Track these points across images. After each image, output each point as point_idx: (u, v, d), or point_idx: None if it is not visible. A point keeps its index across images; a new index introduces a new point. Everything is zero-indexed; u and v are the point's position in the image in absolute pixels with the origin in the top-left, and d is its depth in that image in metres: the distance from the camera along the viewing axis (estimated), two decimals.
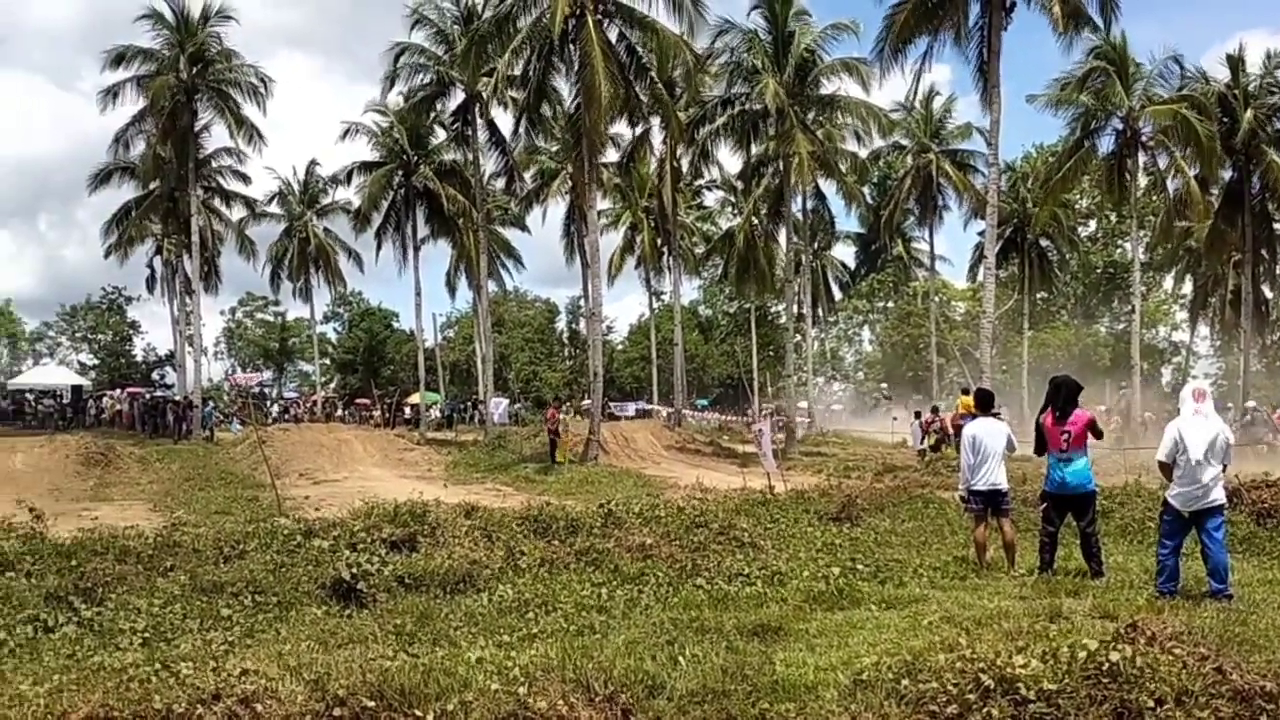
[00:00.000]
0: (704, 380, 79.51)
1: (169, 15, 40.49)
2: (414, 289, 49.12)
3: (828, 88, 39.98)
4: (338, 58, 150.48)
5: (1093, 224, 68.75)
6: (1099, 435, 10.17)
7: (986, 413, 11.26)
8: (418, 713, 5.46)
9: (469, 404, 61.04)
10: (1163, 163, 42.19)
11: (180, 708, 5.45)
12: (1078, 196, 61.11)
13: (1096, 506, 10.27)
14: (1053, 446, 9.84)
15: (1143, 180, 43.31)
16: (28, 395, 51.40)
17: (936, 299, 59.23)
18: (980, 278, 43.75)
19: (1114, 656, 5.52)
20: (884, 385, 61.90)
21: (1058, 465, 9.84)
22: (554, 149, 46.78)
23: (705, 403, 69.72)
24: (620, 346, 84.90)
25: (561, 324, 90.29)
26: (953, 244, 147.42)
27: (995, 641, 6.12)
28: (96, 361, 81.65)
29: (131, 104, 40.97)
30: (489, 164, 43.73)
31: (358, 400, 61.96)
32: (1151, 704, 5.30)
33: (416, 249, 48.73)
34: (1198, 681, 5.39)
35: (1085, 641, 5.79)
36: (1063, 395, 9.86)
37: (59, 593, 9.35)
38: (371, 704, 5.49)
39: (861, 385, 78.94)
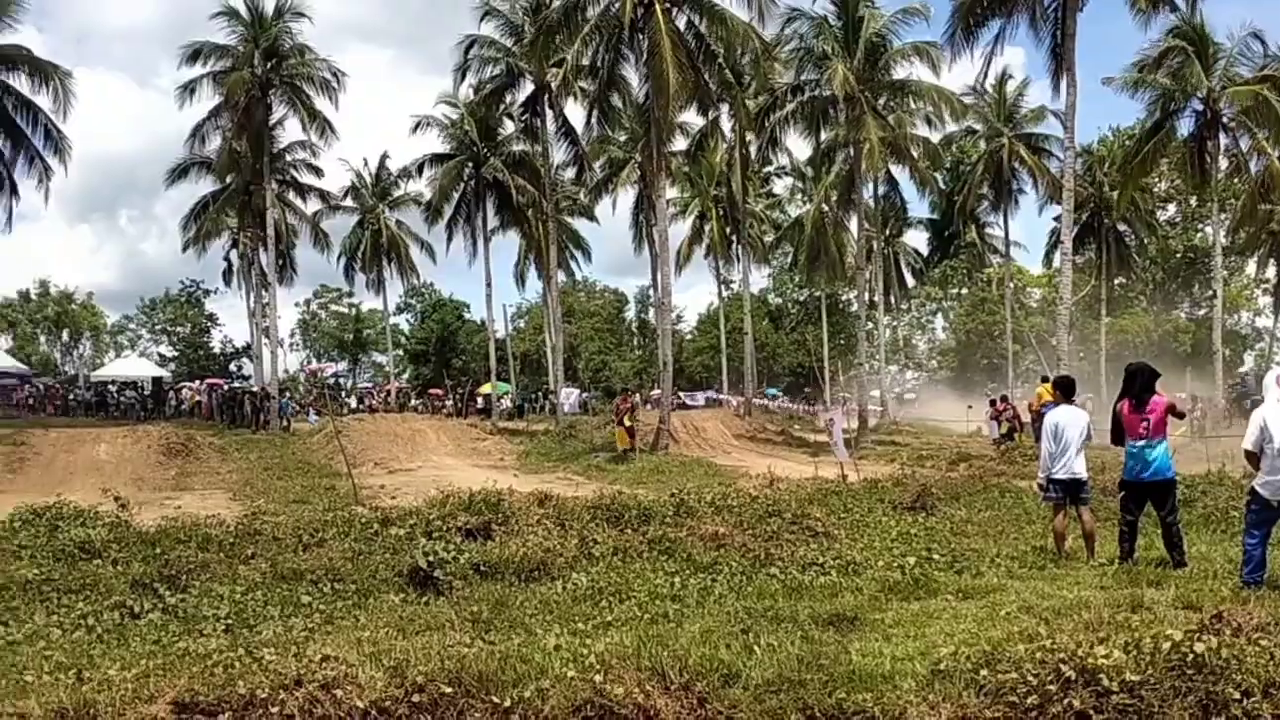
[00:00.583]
0: (774, 369, 79.14)
1: (244, 11, 41.08)
2: (484, 280, 49.42)
3: (899, 73, 39.53)
4: (408, 51, 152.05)
5: (1172, 208, 67.28)
6: (1180, 416, 9.98)
7: (1068, 400, 11.03)
8: (495, 699, 5.51)
9: (539, 394, 61.35)
10: (1244, 144, 41.17)
11: (263, 693, 5.54)
12: (1156, 180, 59.84)
13: (1177, 495, 10.07)
14: (1131, 435, 9.66)
15: (1224, 163, 42.26)
16: (110, 387, 52.56)
17: (1011, 285, 58.32)
18: (1056, 263, 42.99)
19: (1199, 648, 5.40)
20: (993, 384, 60.33)
21: (1136, 453, 9.66)
22: (623, 138, 46.81)
23: (775, 392, 69.41)
24: (689, 336, 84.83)
25: (630, 314, 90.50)
26: (1028, 229, 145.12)
27: (1076, 632, 6.03)
28: (176, 353, 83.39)
29: (208, 100, 41.71)
30: (558, 154, 43.90)
31: (430, 390, 62.56)
32: (1238, 696, 5.19)
33: (487, 240, 49.13)
34: None
35: (1169, 632, 5.68)
36: (1139, 383, 9.68)
37: (145, 580, 9.56)
38: (449, 690, 5.55)
39: (937, 373, 78.17)
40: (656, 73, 30.78)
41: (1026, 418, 27.75)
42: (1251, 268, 65.80)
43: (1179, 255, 67.42)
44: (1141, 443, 9.60)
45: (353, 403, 57.39)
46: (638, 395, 46.07)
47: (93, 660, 6.65)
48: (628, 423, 29.50)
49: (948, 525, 12.97)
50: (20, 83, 35.73)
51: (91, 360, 79.91)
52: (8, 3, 34.79)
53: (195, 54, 40.72)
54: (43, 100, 35.97)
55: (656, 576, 9.49)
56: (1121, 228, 55.36)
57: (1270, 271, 59.94)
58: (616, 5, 31.18)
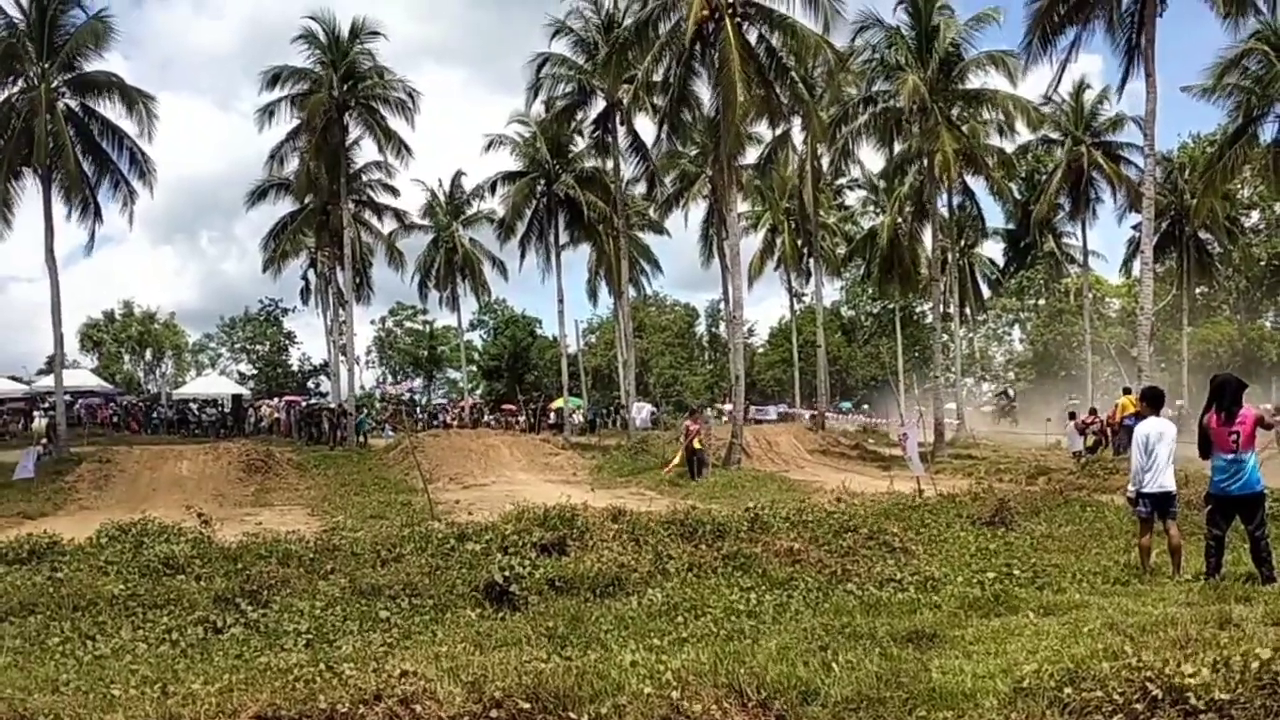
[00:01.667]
0: (847, 382, 78.60)
1: (321, 36, 41.83)
2: (556, 295, 49.74)
3: (973, 82, 39.07)
4: (481, 70, 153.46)
5: (1255, 215, 65.70)
6: (1269, 427, 9.75)
7: (1157, 411, 10.80)
8: (572, 715, 5.52)
9: (611, 409, 61.51)
10: None
11: (344, 707, 5.61)
12: (1239, 186, 58.53)
13: (1266, 509, 9.81)
14: (1220, 448, 9.45)
15: None
16: (191, 405, 53.68)
17: (1090, 295, 57.34)
18: (1136, 272, 42.15)
19: None
20: (1007, 389, 59.76)
21: (1225, 466, 9.45)
22: (693, 153, 46.85)
23: (849, 405, 68.91)
24: (761, 350, 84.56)
25: (701, 328, 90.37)
26: (1106, 239, 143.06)
27: (1162, 649, 5.90)
28: (255, 371, 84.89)
29: (286, 122, 42.58)
30: (628, 170, 44.07)
31: (503, 406, 63.04)
32: None
33: (559, 256, 49.46)
34: None
35: (1259, 650, 5.53)
36: (1228, 394, 9.47)
37: (226, 595, 9.72)
38: (527, 706, 5.57)
39: (1015, 385, 77.08)
40: (725, 87, 30.77)
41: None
42: None
43: (1263, 263, 65.76)
44: (1230, 455, 9.39)
45: (425, 418, 57.95)
46: (709, 411, 45.84)
47: (177, 675, 6.77)
48: (696, 445, 28.17)
49: (1028, 540, 12.78)
50: (107, 109, 36.68)
51: (173, 379, 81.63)
52: (101, 34, 35.76)
53: (275, 78, 41.58)
54: (128, 125, 36.91)
55: (732, 592, 9.46)
56: (1203, 235, 54.16)
57: None
58: (687, 21, 31.21)
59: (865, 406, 67.71)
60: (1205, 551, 9.82)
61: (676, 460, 27.29)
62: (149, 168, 37.66)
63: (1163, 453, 10.15)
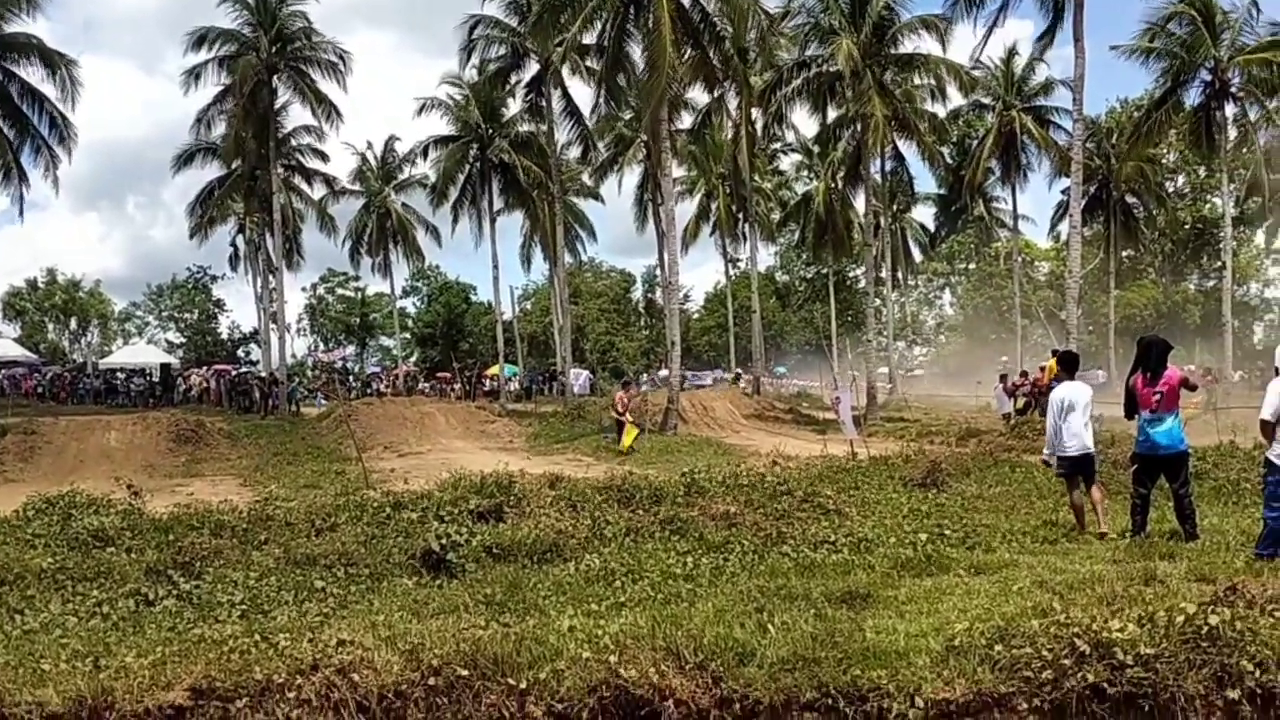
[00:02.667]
0: (782, 347, 79.14)
1: None
2: (491, 262, 49.42)
3: (906, 46, 39.20)
4: (414, 33, 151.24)
5: (1180, 179, 66.96)
6: (1193, 389, 10.00)
7: (1072, 375, 11.11)
8: (511, 681, 5.54)
9: (547, 375, 61.42)
10: (1253, 114, 40.98)
11: (280, 678, 5.58)
12: (1165, 151, 59.59)
13: (1189, 468, 10.06)
14: (1144, 407, 9.66)
15: (1232, 133, 42.07)
16: (118, 374, 52.70)
17: (1019, 259, 58.11)
18: (1064, 236, 42.85)
19: (1213, 620, 5.42)
20: (1005, 358, 59.82)
21: (1149, 426, 9.67)
22: (629, 117, 46.66)
23: (784, 370, 69.41)
24: (696, 315, 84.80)
25: (637, 294, 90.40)
26: (1036, 203, 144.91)
27: (1089, 606, 6.05)
28: (183, 340, 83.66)
29: (213, 85, 41.71)
30: (563, 134, 43.77)
31: (438, 374, 62.71)
32: (1252, 668, 5.21)
33: (493, 222, 49.07)
34: None
35: (1183, 605, 5.69)
36: (1154, 355, 9.68)
37: (158, 567, 9.57)
38: (465, 673, 5.58)
39: (945, 348, 78.09)
40: (656, 49, 30.65)
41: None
42: (1260, 238, 65.60)
43: (1188, 226, 67.11)
44: (1154, 415, 9.60)
45: (358, 386, 57.49)
46: (644, 382, 45.74)
47: (109, 648, 6.66)
48: (629, 418, 27.18)
49: (958, 501, 12.97)
50: (28, 72, 35.71)
51: (100, 348, 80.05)
52: None
53: (201, 39, 40.62)
54: (49, 89, 35.98)
55: (669, 556, 9.49)
56: (1130, 200, 55.09)
57: (1279, 242, 59.75)
58: None
59: (783, 371, 68.23)
60: (1130, 510, 10.04)
61: (627, 440, 26.77)
62: (69, 132, 36.80)
63: (1077, 416, 10.37)
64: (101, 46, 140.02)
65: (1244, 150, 46.44)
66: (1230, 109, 40.70)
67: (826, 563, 8.94)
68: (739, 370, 56.80)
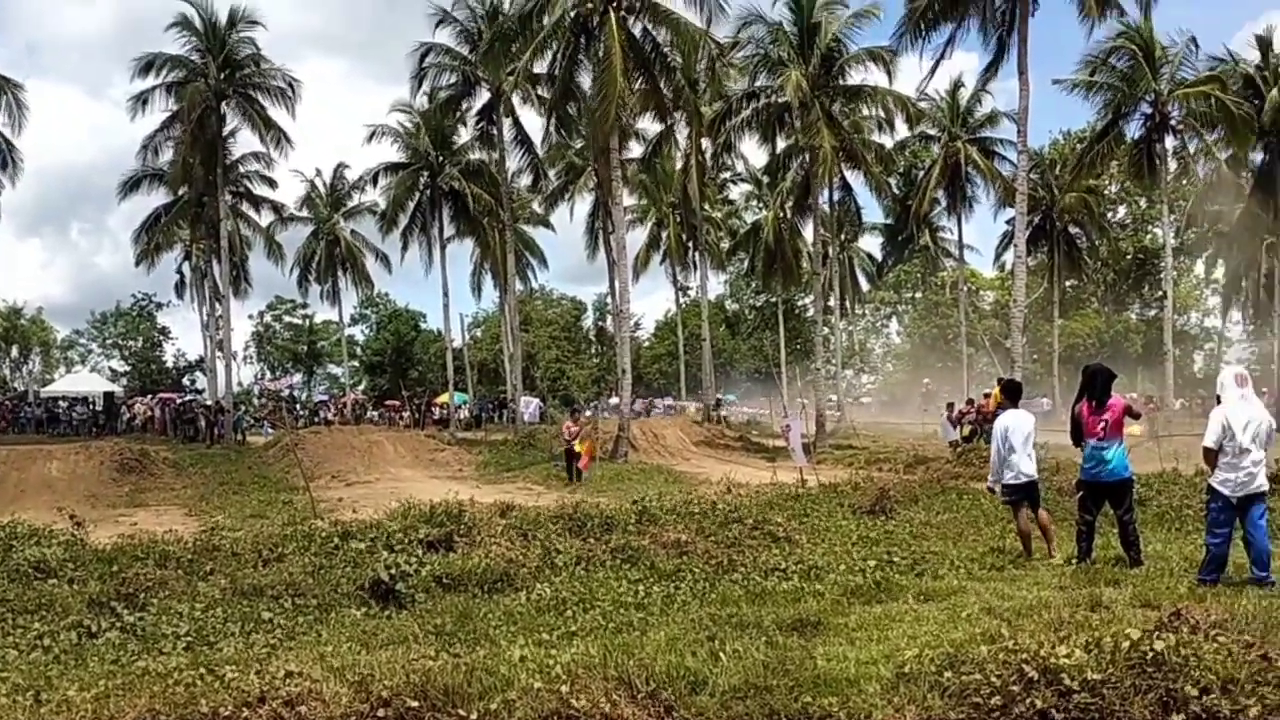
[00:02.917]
0: (731, 375, 79.40)
1: (198, 22, 40.78)
2: (441, 289, 49.27)
3: (854, 78, 39.70)
4: (364, 60, 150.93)
5: (1122, 210, 68.21)
6: (1136, 416, 10.16)
7: (1015, 404, 11.23)
8: (461, 712, 5.48)
9: (496, 403, 61.17)
10: (1192, 147, 41.91)
11: (226, 710, 5.49)
12: (1107, 182, 60.69)
13: (1134, 494, 10.20)
14: (1089, 435, 9.79)
15: (1172, 164, 42.99)
16: (60, 403, 51.81)
17: (965, 288, 58.84)
18: (1009, 266, 43.45)
19: (1158, 645, 5.47)
20: (926, 381, 60.88)
21: (1094, 454, 9.80)
22: (579, 145, 46.82)
23: (732, 397, 69.63)
24: (647, 343, 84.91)
25: (588, 321, 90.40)
26: (980, 233, 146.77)
27: (1037, 632, 6.09)
28: (128, 368, 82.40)
29: (161, 111, 41.40)
30: (514, 162, 43.85)
31: (387, 402, 62.22)
32: (1196, 693, 5.26)
33: (443, 249, 49.06)
34: (1243, 669, 5.33)
35: (1128, 631, 5.75)
36: (1099, 384, 9.82)
37: (101, 599, 9.42)
38: (415, 704, 5.52)
39: (891, 376, 78.68)
40: (606, 79, 30.84)
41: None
42: (1200, 268, 66.88)
43: (1129, 256, 68.36)
44: (1099, 443, 9.73)
45: (305, 414, 56.91)
46: (590, 411, 45.55)
47: (50, 681, 6.55)
48: (578, 448, 25.60)
49: (907, 528, 13.07)
50: None
51: (41, 376, 78.73)
52: None
53: (149, 65, 40.39)
54: None
55: (620, 585, 9.48)
56: (1073, 230, 56.03)
57: (1218, 271, 60.94)
58: (572, 12, 31.19)
59: (732, 398, 68.45)
60: (1076, 536, 10.17)
61: (583, 465, 25.82)
62: (14, 157, 36.34)
63: (1019, 443, 10.50)
64: (46, 71, 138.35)
65: (1184, 182, 47.44)
66: (1170, 141, 41.64)
67: (777, 590, 8.96)
68: (719, 397, 56.57)
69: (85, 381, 62.16)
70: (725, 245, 62.83)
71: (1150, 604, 7.40)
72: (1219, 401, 8.78)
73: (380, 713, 5.51)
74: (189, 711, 5.53)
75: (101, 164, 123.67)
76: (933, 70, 35.07)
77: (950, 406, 31.29)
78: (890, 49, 36.71)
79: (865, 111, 41.97)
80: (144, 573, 10.18)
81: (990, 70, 33.95)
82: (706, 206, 52.20)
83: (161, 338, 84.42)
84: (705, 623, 7.36)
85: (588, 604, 8.74)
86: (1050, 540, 10.47)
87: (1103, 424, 9.68)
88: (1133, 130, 41.68)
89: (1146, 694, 5.27)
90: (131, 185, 46.77)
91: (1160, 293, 55.72)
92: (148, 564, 10.73)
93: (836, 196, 48.98)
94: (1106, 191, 63.20)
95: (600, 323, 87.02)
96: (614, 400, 48.23)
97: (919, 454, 27.78)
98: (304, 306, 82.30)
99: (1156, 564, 9.63)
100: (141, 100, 40.73)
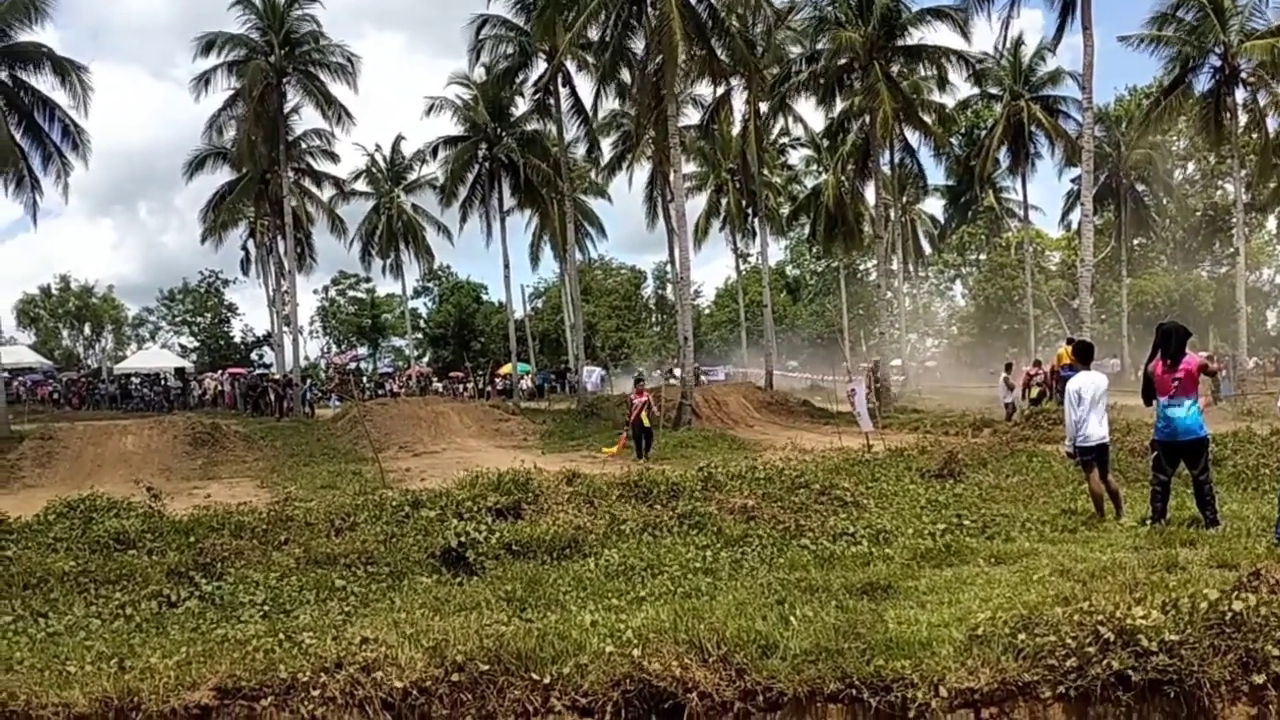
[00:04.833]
0: (793, 341, 79.02)
1: (257, 1, 41.07)
2: (501, 261, 49.39)
3: (913, 37, 39.03)
4: (423, 34, 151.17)
5: (1190, 166, 66.65)
6: (1211, 374, 9.95)
7: (1087, 365, 11.03)
8: (534, 676, 5.55)
9: (559, 373, 61.42)
10: (1262, 100, 40.80)
11: (305, 676, 5.60)
12: (1175, 139, 59.35)
13: (1209, 454, 10.00)
14: (1162, 393, 9.62)
15: (1242, 118, 41.87)
16: (133, 379, 52.88)
17: (1030, 249, 57.90)
18: (1075, 225, 42.72)
19: (1237, 606, 5.40)
20: (1013, 350, 59.58)
21: (1168, 412, 9.62)
22: (635, 113, 46.58)
23: (795, 364, 69.31)
24: (707, 310, 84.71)
25: (648, 290, 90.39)
26: (1046, 193, 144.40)
27: (1112, 593, 6.02)
28: (197, 344, 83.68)
29: (223, 90, 41.81)
30: (571, 132, 43.76)
31: (451, 373, 62.66)
32: (1277, 653, 5.19)
33: (502, 221, 49.12)
34: None
35: (1206, 591, 5.67)
36: (1174, 342, 9.63)
37: (180, 568, 9.62)
38: (488, 669, 5.59)
39: (957, 340, 77.90)
40: (666, 44, 30.60)
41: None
42: (1272, 224, 65.31)
43: (1199, 213, 66.82)
44: (1173, 401, 9.56)
45: (371, 387, 57.50)
46: (658, 372, 45.54)
47: (133, 649, 6.70)
48: (645, 421, 23.83)
49: (976, 492, 12.92)
50: (39, 81, 35.73)
51: (114, 353, 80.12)
52: (30, 4, 34.69)
53: (210, 45, 40.72)
54: (60, 96, 36.00)
55: (688, 551, 9.51)
56: (1140, 187, 54.90)
57: None
58: None
59: (795, 365, 68.10)
60: (1151, 497, 10.01)
61: (616, 448, 24.64)
62: (82, 139, 36.79)
63: (1093, 405, 10.34)
64: (111, 53, 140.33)
65: (1254, 136, 46.20)
66: (1240, 94, 40.49)
67: (846, 555, 8.94)
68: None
69: (156, 358, 63.35)
70: (785, 210, 62.35)
71: (1228, 564, 7.29)
72: None
73: (454, 677, 5.59)
74: (268, 677, 5.65)
75: (167, 144, 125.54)
76: (1005, 29, 34.58)
77: (1008, 368, 30.48)
78: (952, 7, 36.12)
79: (925, 71, 41.28)
80: (220, 543, 10.37)
81: (1057, 31, 33.22)
82: (766, 172, 51.75)
83: (229, 314, 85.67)
84: (774, 587, 7.37)
85: (656, 570, 8.77)
86: (1118, 501, 10.33)
87: (1177, 381, 9.51)
88: (1201, 84, 40.69)
89: (1226, 654, 5.21)
90: (197, 164, 47.39)
91: (1231, 249, 54.37)
92: (223, 534, 10.92)
93: (897, 158, 48.34)
94: (1175, 147, 61.80)
95: (660, 291, 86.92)
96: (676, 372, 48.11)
97: (986, 417, 27.48)
98: (367, 280, 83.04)
99: (1233, 524, 9.44)
100: (204, 80, 41.15)
